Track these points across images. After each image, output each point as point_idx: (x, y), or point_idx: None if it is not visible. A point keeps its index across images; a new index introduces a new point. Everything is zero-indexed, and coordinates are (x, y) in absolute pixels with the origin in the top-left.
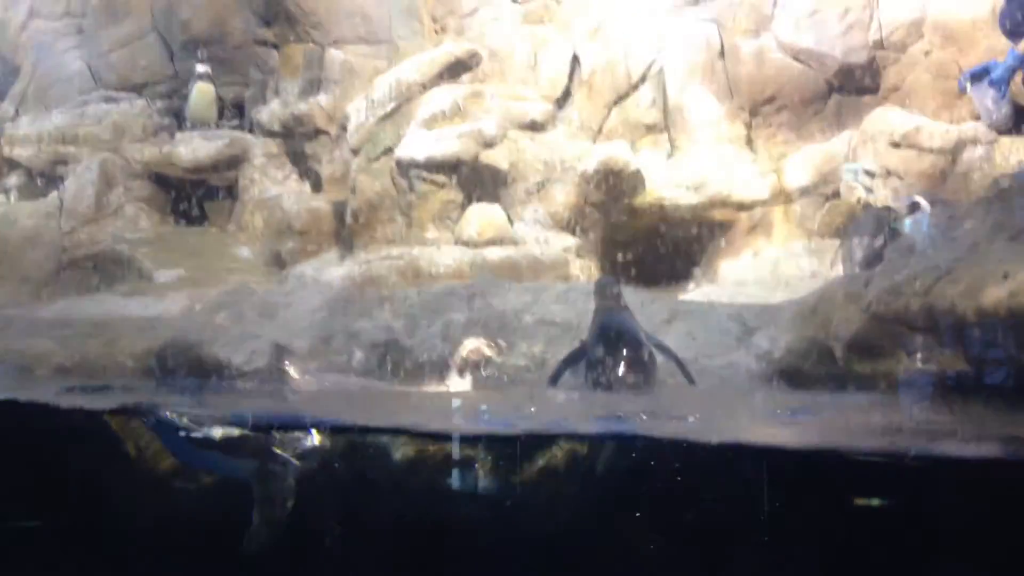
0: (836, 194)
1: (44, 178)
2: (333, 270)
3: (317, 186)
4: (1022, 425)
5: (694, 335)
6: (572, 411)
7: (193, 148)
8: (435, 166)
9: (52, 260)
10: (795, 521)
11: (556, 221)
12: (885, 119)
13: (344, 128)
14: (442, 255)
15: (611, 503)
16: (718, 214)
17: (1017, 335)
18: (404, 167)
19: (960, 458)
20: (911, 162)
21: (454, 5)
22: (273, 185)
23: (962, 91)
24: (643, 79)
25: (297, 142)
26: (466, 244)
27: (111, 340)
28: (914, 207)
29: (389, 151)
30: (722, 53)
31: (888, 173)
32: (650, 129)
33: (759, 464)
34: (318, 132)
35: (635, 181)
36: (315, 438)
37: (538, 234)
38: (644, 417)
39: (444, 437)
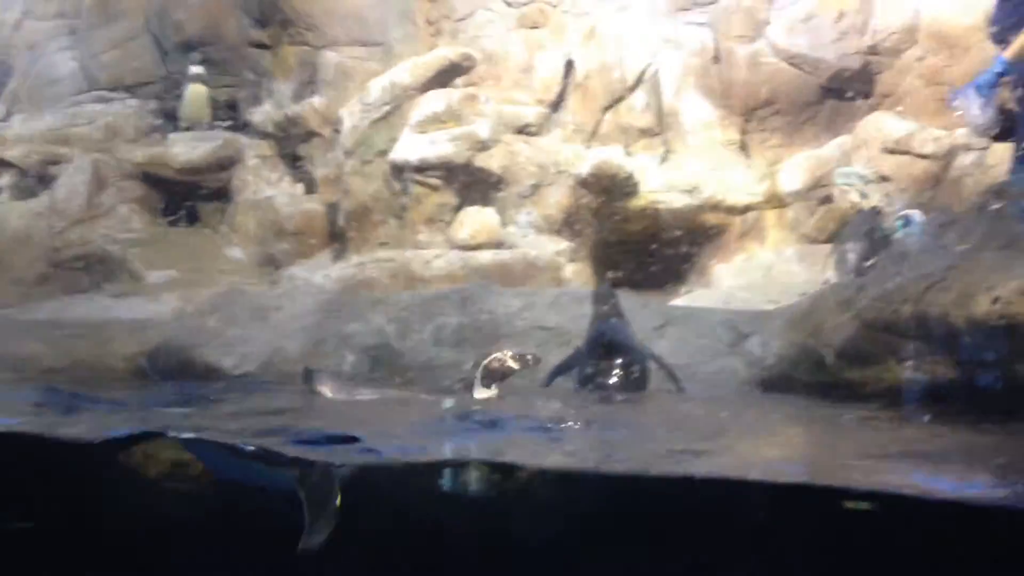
0: (829, 199)
1: (36, 178)
2: (326, 272)
3: (310, 188)
4: (1014, 439)
5: (687, 341)
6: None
7: (186, 149)
8: (429, 169)
9: (42, 261)
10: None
11: (549, 224)
12: (878, 124)
13: (337, 130)
14: (435, 258)
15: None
16: (712, 218)
17: (1009, 343)
18: (398, 170)
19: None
20: (904, 168)
21: (449, 8)
22: (266, 187)
23: (951, 108)
24: (637, 83)
25: (290, 144)
26: (459, 247)
27: (102, 342)
28: (907, 222)
29: (383, 154)
30: (716, 57)
31: (881, 178)
32: (644, 133)
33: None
34: (311, 134)
35: (629, 185)
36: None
37: (531, 238)
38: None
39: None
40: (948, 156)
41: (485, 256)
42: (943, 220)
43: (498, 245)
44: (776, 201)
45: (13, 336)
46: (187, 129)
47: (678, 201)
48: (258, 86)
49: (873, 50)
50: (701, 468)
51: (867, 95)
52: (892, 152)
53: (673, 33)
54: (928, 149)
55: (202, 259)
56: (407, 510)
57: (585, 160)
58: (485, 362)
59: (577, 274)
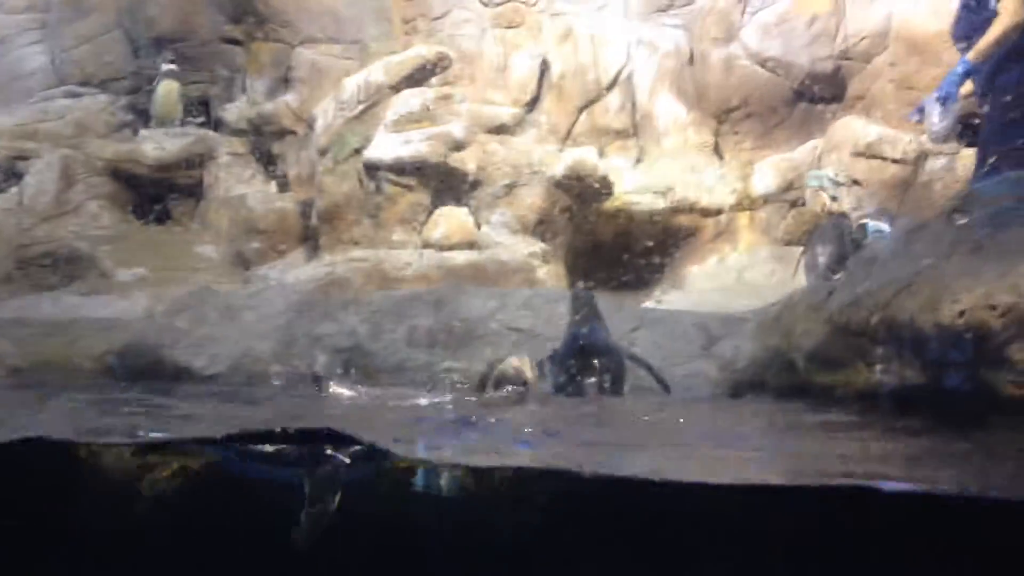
0: (801, 202)
1: (3, 174)
2: (298, 272)
3: (284, 186)
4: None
5: (659, 344)
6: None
7: (157, 146)
8: (403, 168)
9: (9, 258)
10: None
11: (523, 225)
12: (849, 128)
13: (311, 128)
14: (409, 258)
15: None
16: (685, 220)
17: (975, 349)
18: (372, 169)
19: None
20: (874, 172)
21: (425, 7)
22: (239, 184)
23: (911, 120)
24: (612, 84)
25: (264, 141)
26: (433, 247)
27: (69, 341)
28: (877, 231)
29: (357, 152)
30: (691, 60)
31: (852, 182)
32: (619, 134)
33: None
34: (285, 132)
35: (603, 186)
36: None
37: (505, 238)
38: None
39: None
40: (918, 161)
41: (459, 257)
42: (912, 225)
43: (472, 245)
44: (749, 203)
45: None
46: (159, 126)
47: (652, 203)
48: (231, 83)
49: (845, 54)
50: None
51: (839, 99)
52: (863, 156)
53: (648, 35)
54: (898, 153)
55: (173, 257)
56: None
57: (560, 161)
58: (501, 366)
59: (550, 275)
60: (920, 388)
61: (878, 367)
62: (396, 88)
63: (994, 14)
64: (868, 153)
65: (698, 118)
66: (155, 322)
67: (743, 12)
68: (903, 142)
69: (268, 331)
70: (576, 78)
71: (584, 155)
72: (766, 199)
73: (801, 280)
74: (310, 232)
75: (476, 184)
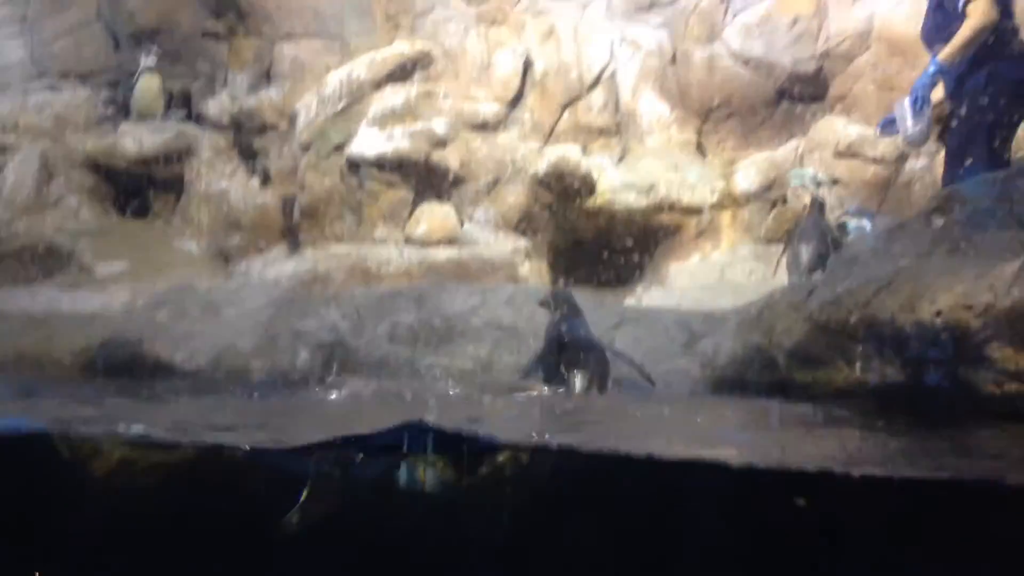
0: (783, 200)
1: None
2: (280, 267)
3: (266, 181)
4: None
5: (641, 341)
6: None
7: (138, 140)
8: (386, 164)
9: None
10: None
11: (506, 222)
12: (831, 128)
13: (293, 124)
14: (391, 254)
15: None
16: (667, 218)
17: (954, 347)
18: (354, 165)
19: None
20: (856, 171)
21: (407, 3)
22: (220, 179)
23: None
24: (595, 83)
25: (246, 136)
26: (415, 243)
27: (48, 335)
28: (859, 228)
29: (339, 148)
30: (674, 59)
31: (834, 182)
32: (601, 132)
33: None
34: (267, 127)
35: (586, 184)
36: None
37: (488, 235)
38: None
39: None
40: (898, 161)
41: (441, 253)
42: (892, 225)
43: (454, 242)
44: (731, 202)
45: None
46: (140, 120)
47: (634, 201)
48: (213, 77)
49: (827, 55)
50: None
51: (820, 99)
52: (844, 156)
53: (631, 34)
54: (878, 153)
55: (154, 252)
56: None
57: (542, 158)
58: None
59: (533, 272)
60: (900, 387)
61: (858, 365)
62: (379, 84)
63: (963, 16)
64: (849, 153)
65: (681, 117)
66: (135, 317)
67: (726, 12)
68: (883, 143)
69: (249, 326)
70: (559, 76)
71: (567, 153)
72: (748, 198)
73: (782, 278)
74: (292, 228)
75: (459, 181)
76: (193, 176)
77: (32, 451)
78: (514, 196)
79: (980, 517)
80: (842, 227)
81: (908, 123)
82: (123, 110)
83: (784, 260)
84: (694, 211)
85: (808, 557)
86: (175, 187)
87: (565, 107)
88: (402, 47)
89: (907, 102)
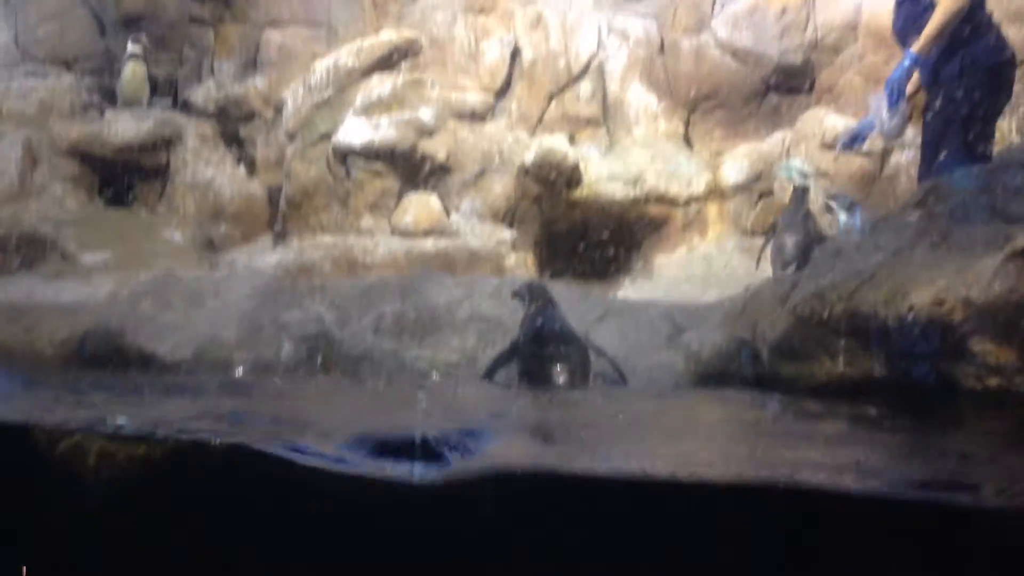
0: (770, 192)
1: None
2: (266, 257)
3: (252, 170)
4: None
5: (625, 334)
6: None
7: (123, 127)
8: (372, 154)
9: None
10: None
11: (493, 213)
12: (817, 120)
13: (280, 112)
14: (377, 245)
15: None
16: (654, 209)
17: (936, 341)
18: (341, 154)
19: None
20: (841, 164)
21: None
22: (206, 168)
23: (844, 149)
24: (583, 72)
25: (232, 124)
26: (402, 234)
27: (30, 325)
28: (851, 205)
29: (326, 137)
30: (662, 49)
31: (820, 174)
32: (589, 122)
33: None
34: (253, 115)
35: (573, 174)
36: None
37: (474, 225)
38: None
39: None
40: (884, 154)
41: (428, 244)
42: (876, 218)
43: (441, 232)
44: (718, 194)
45: None
46: (125, 107)
47: (621, 192)
48: (199, 65)
49: (814, 47)
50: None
51: (807, 91)
52: (830, 148)
53: (619, 23)
54: (864, 146)
55: (139, 241)
56: None
57: (529, 148)
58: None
59: (519, 263)
60: (882, 380)
61: (841, 359)
62: (366, 72)
63: (932, 5)
64: (835, 145)
65: (668, 107)
66: (118, 307)
67: (714, 2)
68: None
69: (234, 317)
70: (547, 65)
71: (554, 143)
72: (736, 189)
73: (764, 270)
74: (278, 217)
75: (446, 171)
76: (179, 164)
77: (8, 444)
78: (501, 186)
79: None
80: (829, 208)
81: (883, 116)
82: (108, 97)
83: (768, 252)
84: (681, 202)
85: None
86: (160, 175)
87: (552, 97)
88: (389, 35)
89: (883, 95)
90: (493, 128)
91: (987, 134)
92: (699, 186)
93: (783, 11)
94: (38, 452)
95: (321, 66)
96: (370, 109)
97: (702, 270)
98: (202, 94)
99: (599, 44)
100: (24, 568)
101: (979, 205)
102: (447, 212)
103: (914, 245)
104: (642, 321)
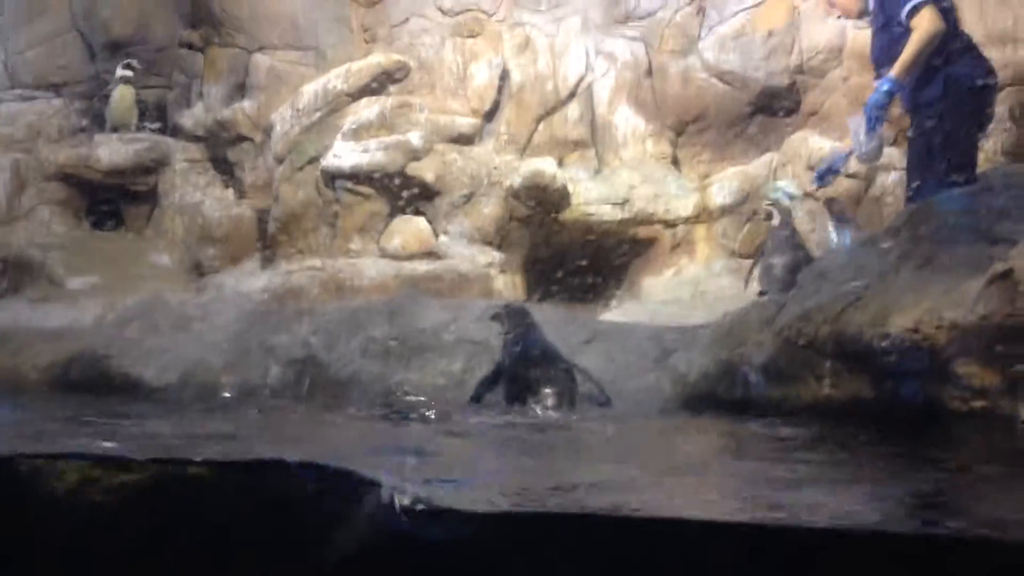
0: (757, 214)
1: None
2: (254, 280)
3: (240, 193)
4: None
5: (612, 356)
6: None
7: (112, 151)
8: (361, 177)
9: None
10: None
11: (482, 235)
12: (804, 142)
13: (268, 135)
14: (366, 268)
15: None
16: (642, 231)
17: (921, 364)
18: (329, 177)
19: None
20: (835, 180)
21: (384, 15)
22: (195, 191)
23: (817, 187)
24: (571, 95)
25: (220, 148)
26: (390, 256)
27: (15, 350)
28: (842, 219)
29: (314, 160)
30: (649, 72)
31: (806, 195)
32: (577, 145)
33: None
34: (242, 138)
35: (561, 196)
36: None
37: (463, 248)
38: None
39: None
40: (869, 175)
41: (416, 266)
42: (862, 239)
43: (430, 255)
44: (706, 216)
45: None
46: (114, 131)
47: (609, 214)
48: (188, 88)
49: (800, 69)
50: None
51: (794, 113)
52: (815, 170)
53: (607, 47)
54: (850, 168)
55: (126, 265)
56: None
57: (518, 171)
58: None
59: (508, 286)
60: (868, 402)
61: (827, 381)
62: (354, 96)
63: (909, 30)
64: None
65: (657, 129)
66: (104, 332)
67: (701, 25)
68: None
69: (221, 341)
70: (535, 88)
71: (542, 165)
72: (723, 211)
73: (751, 292)
74: (266, 240)
75: (434, 193)
76: (167, 188)
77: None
78: (489, 209)
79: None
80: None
81: (861, 140)
82: (97, 121)
83: (758, 274)
84: (669, 224)
85: None
86: (148, 199)
87: (541, 119)
88: (378, 59)
89: (861, 119)
90: (481, 151)
91: (971, 155)
92: (687, 208)
93: (769, 34)
94: (20, 478)
95: (310, 90)
96: (359, 132)
97: (690, 292)
98: (191, 118)
99: (587, 67)
100: None
101: (964, 227)
102: (435, 235)
103: (899, 267)
104: (629, 343)
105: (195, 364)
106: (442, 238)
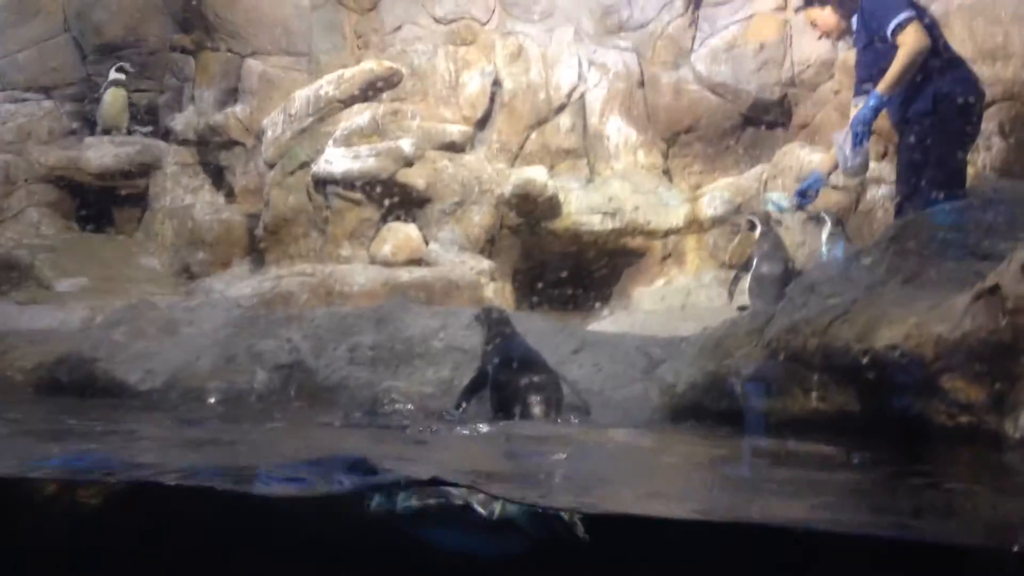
0: (737, 223)
1: None
2: (243, 285)
3: (231, 198)
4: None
5: (600, 366)
6: None
7: (102, 154)
8: (352, 183)
9: None
10: None
11: (472, 243)
12: (794, 155)
13: (260, 140)
14: (355, 274)
15: None
16: (633, 241)
17: (908, 378)
18: (320, 183)
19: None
20: (817, 198)
21: (377, 22)
22: (185, 195)
23: (797, 208)
24: (563, 105)
25: (211, 152)
26: (381, 263)
27: (1, 352)
28: (836, 222)
29: (305, 165)
30: (641, 83)
31: (797, 208)
32: (569, 154)
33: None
34: (233, 143)
35: (552, 205)
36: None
37: (453, 256)
38: None
39: None
40: (860, 188)
41: (406, 273)
42: (851, 252)
43: (420, 262)
44: (697, 226)
45: None
46: (105, 133)
47: (600, 224)
48: (180, 92)
49: (791, 82)
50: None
51: (785, 126)
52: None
53: (599, 57)
54: (840, 181)
55: (115, 267)
56: None
57: (509, 180)
58: None
59: (497, 294)
60: (855, 416)
61: (814, 394)
62: (346, 102)
63: (895, 47)
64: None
65: (648, 140)
66: (91, 335)
67: (693, 37)
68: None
69: (208, 346)
70: (527, 97)
71: (533, 174)
72: (714, 222)
73: (735, 303)
74: (256, 245)
75: (425, 201)
76: (157, 191)
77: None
78: (480, 217)
79: None
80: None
81: (847, 155)
82: (89, 123)
83: (746, 285)
84: (660, 235)
85: None
86: (139, 202)
87: (533, 128)
88: (371, 65)
89: (847, 133)
90: (473, 159)
91: (959, 170)
92: (678, 219)
93: (761, 47)
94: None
95: (302, 95)
96: (350, 138)
97: (680, 302)
98: (182, 121)
99: (579, 76)
100: None
101: (952, 242)
102: (426, 242)
103: (887, 281)
104: (617, 353)
105: (181, 369)
106: (432, 245)
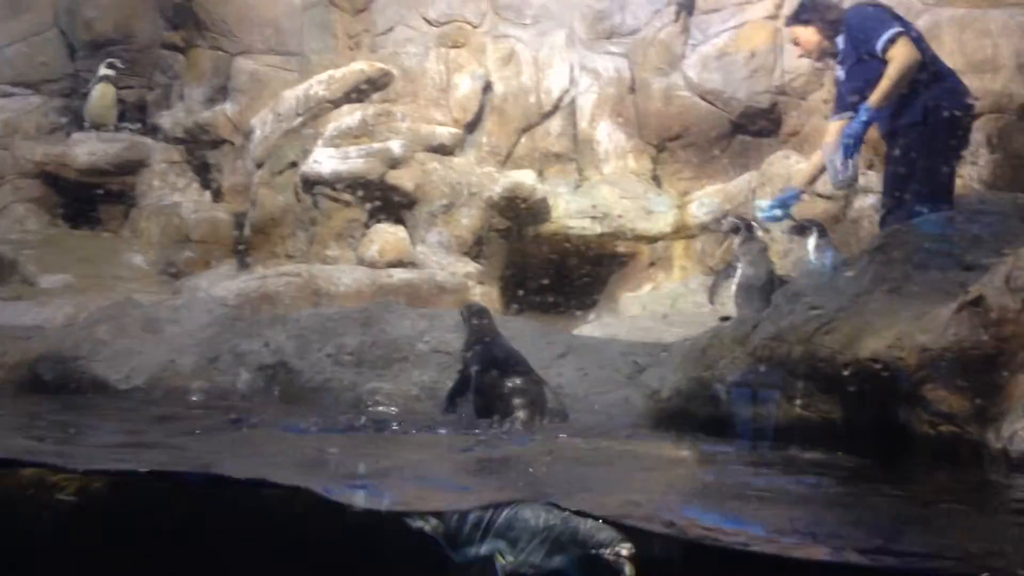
0: (718, 227)
1: None
2: (228, 284)
3: (219, 196)
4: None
5: (586, 371)
6: None
7: (89, 150)
8: (340, 184)
9: None
10: None
11: (460, 245)
12: (783, 163)
13: (248, 139)
14: (342, 275)
15: None
16: (621, 246)
17: (891, 387)
18: (309, 183)
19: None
20: (805, 207)
21: (368, 23)
22: (173, 192)
23: (773, 219)
24: (554, 109)
25: (200, 150)
26: (367, 264)
27: None
28: (822, 232)
29: (293, 165)
30: (632, 88)
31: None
32: (558, 158)
33: None
34: (221, 141)
35: (541, 209)
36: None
37: (441, 258)
38: None
39: None
40: (847, 197)
41: (393, 275)
42: (837, 261)
43: (407, 264)
44: (685, 232)
45: None
46: (93, 129)
47: (589, 228)
48: (169, 89)
49: (781, 90)
50: None
51: (774, 133)
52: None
53: (591, 62)
54: (828, 189)
55: (100, 265)
56: None
57: (497, 183)
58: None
59: (484, 297)
60: (838, 424)
61: (798, 402)
62: (336, 103)
63: (882, 62)
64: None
65: (638, 146)
66: (74, 332)
67: (684, 44)
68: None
69: (192, 345)
70: (518, 101)
71: (522, 178)
72: (702, 228)
73: (722, 311)
74: (243, 244)
75: (413, 202)
76: (144, 188)
77: None
78: (468, 220)
79: None
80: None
81: (837, 166)
82: (77, 119)
83: (733, 292)
84: (648, 240)
85: None
86: (125, 199)
87: (523, 132)
88: (361, 66)
89: (837, 144)
90: (462, 161)
91: (947, 181)
92: (666, 224)
93: (752, 55)
94: None
95: (291, 95)
96: (339, 139)
97: (667, 308)
98: (170, 119)
99: (570, 81)
100: None
101: (937, 253)
102: (413, 244)
103: (872, 290)
104: (603, 359)
105: (164, 367)
106: (420, 247)
